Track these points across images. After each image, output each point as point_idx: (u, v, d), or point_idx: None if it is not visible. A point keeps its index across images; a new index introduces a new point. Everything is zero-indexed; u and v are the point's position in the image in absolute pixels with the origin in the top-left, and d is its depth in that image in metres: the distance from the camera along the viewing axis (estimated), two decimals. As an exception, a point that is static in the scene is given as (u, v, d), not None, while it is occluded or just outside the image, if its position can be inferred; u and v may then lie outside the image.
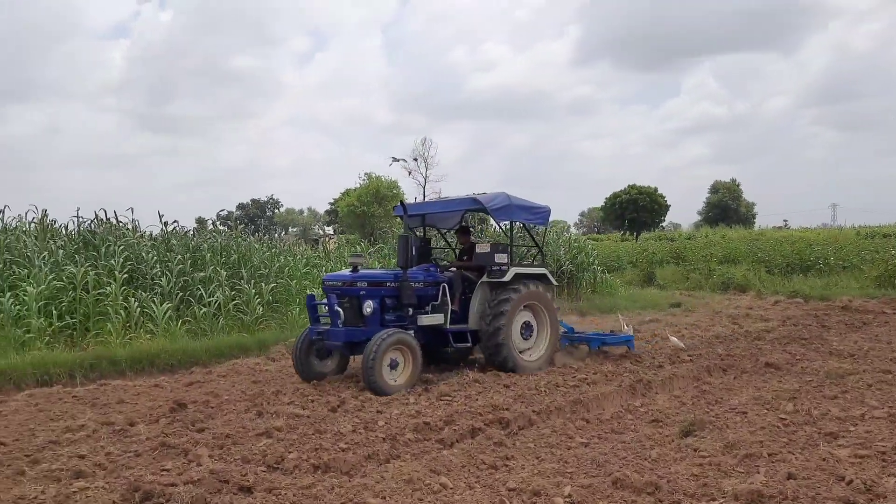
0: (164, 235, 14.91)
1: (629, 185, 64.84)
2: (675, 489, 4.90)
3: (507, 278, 9.35)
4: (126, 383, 9.43)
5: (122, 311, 11.59)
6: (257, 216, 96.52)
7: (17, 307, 10.80)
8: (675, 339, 11.65)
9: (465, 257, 10.44)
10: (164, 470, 5.30)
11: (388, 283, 8.88)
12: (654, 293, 21.91)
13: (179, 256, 13.62)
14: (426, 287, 9.29)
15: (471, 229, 11.09)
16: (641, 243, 40.64)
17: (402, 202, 9.56)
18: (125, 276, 12.40)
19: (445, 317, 9.10)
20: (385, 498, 4.76)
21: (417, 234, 11.05)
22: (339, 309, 8.41)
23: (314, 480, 5.09)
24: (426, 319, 8.98)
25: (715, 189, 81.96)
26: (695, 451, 5.82)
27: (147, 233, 15.22)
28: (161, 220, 15.18)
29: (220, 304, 12.79)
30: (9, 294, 11.04)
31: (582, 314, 16.99)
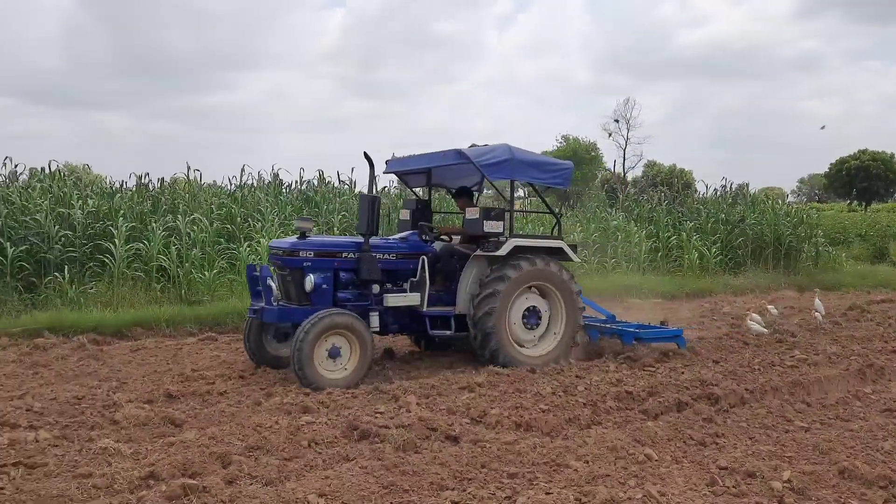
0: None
1: (859, 150, 58.58)
2: (915, 487, 4.39)
3: (502, 251, 7.46)
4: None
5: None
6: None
7: (252, 257, 12.03)
8: (755, 322, 9.86)
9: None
10: (377, 412, 5.67)
11: (343, 254, 7.24)
12: (887, 270, 19.61)
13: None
14: (401, 260, 7.60)
15: (474, 192, 8.89)
16: (872, 215, 36.38)
17: (365, 153, 7.34)
18: (342, 231, 13.35)
19: (422, 297, 7.35)
20: (588, 462, 4.73)
21: (419, 195, 9.89)
22: (272, 283, 7.24)
23: (516, 437, 5.19)
24: (393, 300, 7.29)
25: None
26: (939, 448, 5.17)
27: (359, 192, 16.21)
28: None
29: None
30: (245, 244, 12.34)
31: (800, 290, 15.66)
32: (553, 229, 8.94)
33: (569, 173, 8.26)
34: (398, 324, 7.58)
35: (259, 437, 4.99)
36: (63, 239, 11.45)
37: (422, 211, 8.57)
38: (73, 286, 10.69)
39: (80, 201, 12.43)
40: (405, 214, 8.70)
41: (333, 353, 6.62)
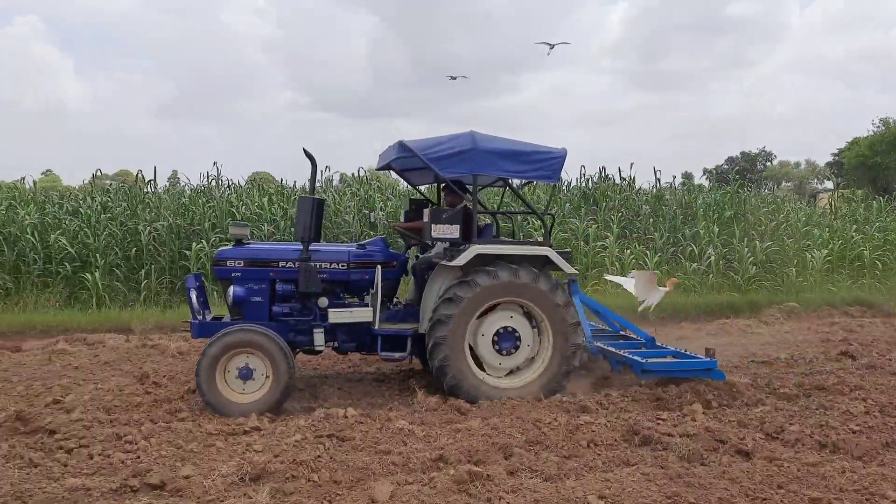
0: (657, 190, 15.30)
1: None
2: None
3: (459, 261, 6.10)
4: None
5: (616, 263, 12.30)
6: (746, 170, 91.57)
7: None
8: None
9: None
10: (659, 419, 5.46)
11: (280, 264, 6.37)
12: None
13: (672, 211, 13.80)
14: (356, 270, 6.49)
15: (467, 187, 7.00)
16: None
17: (305, 150, 6.30)
18: (620, 229, 13.11)
19: (374, 313, 6.32)
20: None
21: (424, 194, 8.20)
22: (192, 296, 6.42)
23: (820, 459, 4.64)
24: (336, 315, 6.30)
25: None
26: None
27: (639, 188, 15.78)
28: (655, 176, 15.59)
29: (710, 261, 12.60)
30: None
31: None
32: (544, 232, 7.06)
33: (558, 163, 6.45)
34: (355, 342, 6.48)
35: (538, 432, 5.08)
36: (365, 238, 12.82)
37: (417, 213, 7.26)
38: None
39: (381, 203, 13.79)
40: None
41: (244, 375, 5.74)
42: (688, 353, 6.86)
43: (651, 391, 6.29)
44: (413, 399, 6.10)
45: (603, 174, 15.78)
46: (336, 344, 6.45)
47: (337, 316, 6.27)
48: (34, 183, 15.73)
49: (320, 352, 6.58)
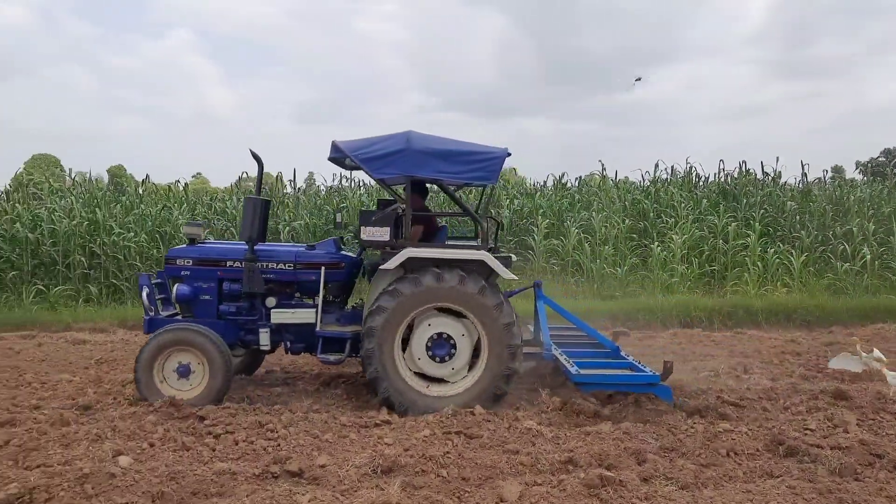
0: (803, 185, 14.32)
1: None
2: None
3: (390, 265, 5.89)
4: (761, 334, 9.49)
5: (759, 263, 11.63)
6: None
7: (664, 253, 11.89)
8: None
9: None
10: (807, 429, 5.10)
11: (227, 263, 6.37)
12: None
13: (821, 208, 12.89)
14: (303, 271, 6.40)
15: (426, 189, 7.07)
16: None
17: (251, 151, 6.43)
18: (763, 227, 12.39)
19: (316, 314, 6.23)
20: None
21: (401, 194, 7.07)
22: (143, 294, 6.34)
23: None
24: (279, 316, 6.30)
25: None
26: None
27: (784, 183, 14.84)
28: (803, 170, 14.59)
29: (865, 260, 11.64)
30: (657, 241, 12.27)
31: None
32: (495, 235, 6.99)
33: (496, 164, 6.06)
34: (303, 343, 6.42)
35: (674, 438, 4.88)
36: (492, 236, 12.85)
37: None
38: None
39: (508, 201, 13.77)
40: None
41: (182, 372, 5.87)
42: (642, 366, 6.20)
43: (809, 404, 5.89)
44: (538, 399, 6.03)
45: (743, 169, 14.96)
46: (288, 345, 6.44)
47: (279, 316, 6.32)
48: (186, 185, 16.94)
49: (269, 351, 6.59)
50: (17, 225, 12.03)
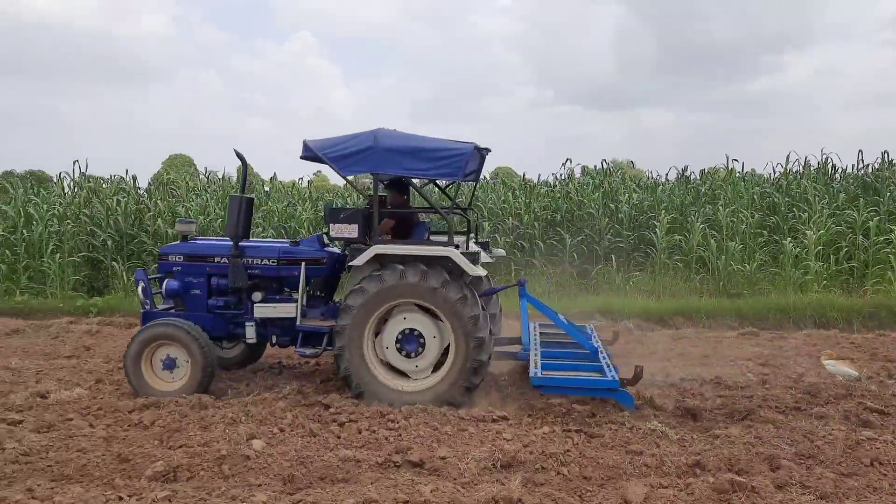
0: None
1: None
2: None
3: (359, 262, 6.00)
4: (908, 337, 8.78)
5: (904, 259, 10.77)
6: None
7: (797, 249, 11.22)
8: (834, 363, 6.67)
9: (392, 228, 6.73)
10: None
11: (215, 259, 6.57)
12: None
13: None
14: (285, 266, 6.50)
15: (408, 185, 6.95)
16: None
17: (236, 151, 6.47)
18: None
19: (297, 308, 6.29)
20: None
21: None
22: (139, 288, 6.58)
23: None
24: (262, 310, 6.40)
25: None
26: None
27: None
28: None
29: None
30: (789, 236, 11.59)
31: None
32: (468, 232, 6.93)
33: (461, 160, 5.98)
34: (287, 336, 6.51)
35: (811, 444, 4.61)
36: (611, 230, 12.56)
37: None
38: (620, 274, 11.61)
39: (626, 195, 13.41)
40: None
41: (168, 364, 6.13)
42: (614, 369, 5.83)
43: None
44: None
45: (885, 159, 13.84)
46: (273, 339, 6.57)
47: (262, 310, 6.44)
48: (308, 182, 17.62)
49: (256, 344, 6.74)
50: (159, 221, 12.89)
